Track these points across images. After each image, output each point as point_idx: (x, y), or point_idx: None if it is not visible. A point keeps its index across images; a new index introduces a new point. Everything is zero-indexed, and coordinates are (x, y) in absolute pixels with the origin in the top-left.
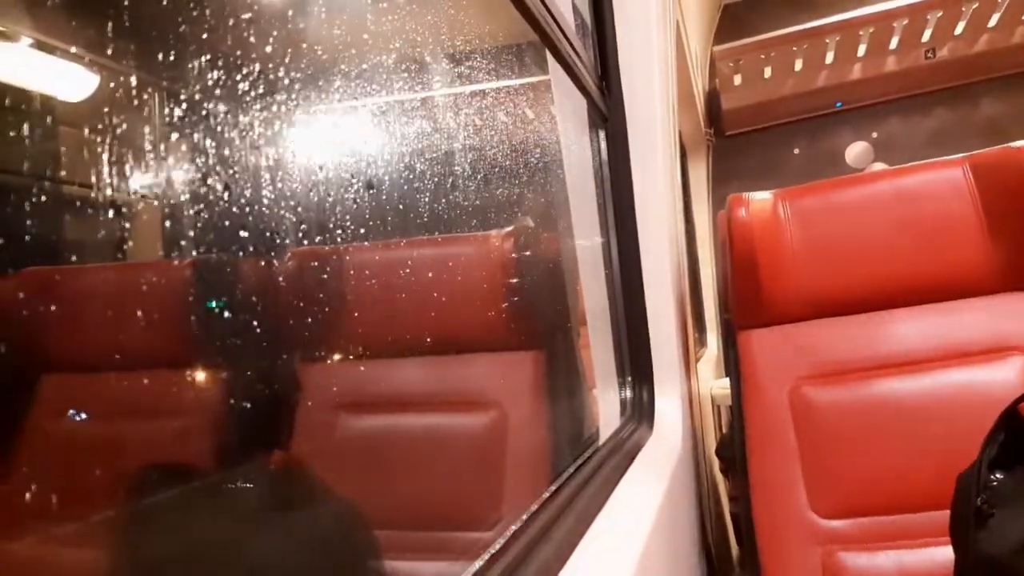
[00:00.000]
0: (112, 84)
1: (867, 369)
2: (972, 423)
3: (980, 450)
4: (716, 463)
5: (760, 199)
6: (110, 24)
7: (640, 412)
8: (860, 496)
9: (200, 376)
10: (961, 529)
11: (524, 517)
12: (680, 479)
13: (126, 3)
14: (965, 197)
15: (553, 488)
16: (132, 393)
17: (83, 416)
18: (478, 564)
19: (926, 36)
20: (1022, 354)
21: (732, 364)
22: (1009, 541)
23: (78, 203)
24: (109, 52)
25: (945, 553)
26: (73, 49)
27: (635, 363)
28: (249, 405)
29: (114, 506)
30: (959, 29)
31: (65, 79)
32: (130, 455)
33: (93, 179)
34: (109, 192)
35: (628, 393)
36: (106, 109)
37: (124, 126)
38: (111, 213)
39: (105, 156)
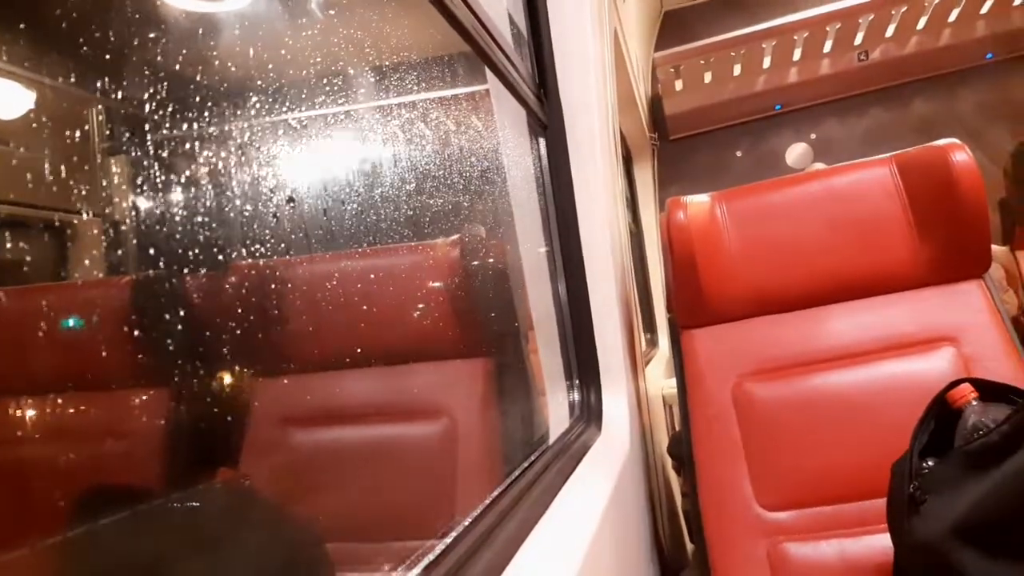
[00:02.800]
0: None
1: (805, 364)
2: (907, 413)
3: (911, 438)
4: (669, 462)
5: (697, 202)
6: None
7: (588, 413)
8: (802, 488)
9: (142, 395)
10: (896, 516)
11: (465, 522)
12: (628, 478)
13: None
14: (893, 195)
15: (496, 492)
16: (71, 414)
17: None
18: (415, 572)
19: (858, 39)
20: (952, 345)
21: (677, 363)
22: (941, 525)
23: (11, 222)
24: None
25: (884, 540)
26: None
27: (582, 366)
28: (194, 423)
29: (55, 531)
30: (889, 32)
31: None
32: (71, 478)
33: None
34: (44, 211)
35: (576, 395)
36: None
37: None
38: (48, 231)
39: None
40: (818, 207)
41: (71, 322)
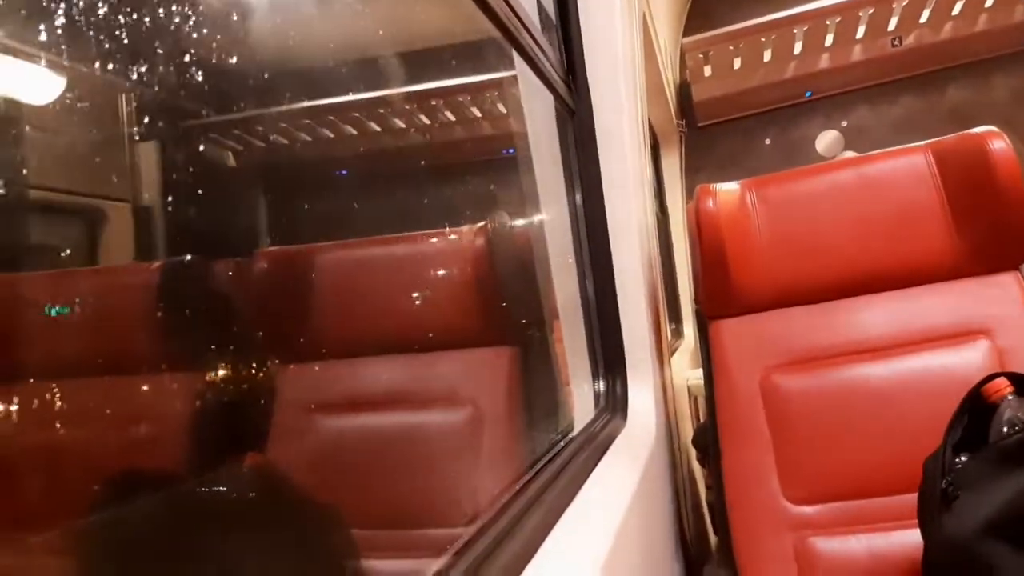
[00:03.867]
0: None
1: (835, 356)
2: (939, 407)
3: (944, 433)
4: (693, 453)
5: (727, 189)
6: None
7: (613, 404)
8: (831, 482)
9: (173, 380)
10: (928, 512)
11: (492, 511)
12: (654, 469)
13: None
14: (928, 184)
15: (523, 481)
16: (104, 398)
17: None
18: (444, 559)
19: (892, 24)
20: (987, 338)
21: (704, 354)
22: (973, 522)
23: (43, 208)
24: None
25: (914, 536)
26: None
27: (608, 355)
28: (224, 409)
29: (87, 512)
30: (924, 17)
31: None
32: (103, 461)
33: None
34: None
35: (601, 385)
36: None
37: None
38: (80, 218)
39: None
40: (851, 196)
41: (73, 309)
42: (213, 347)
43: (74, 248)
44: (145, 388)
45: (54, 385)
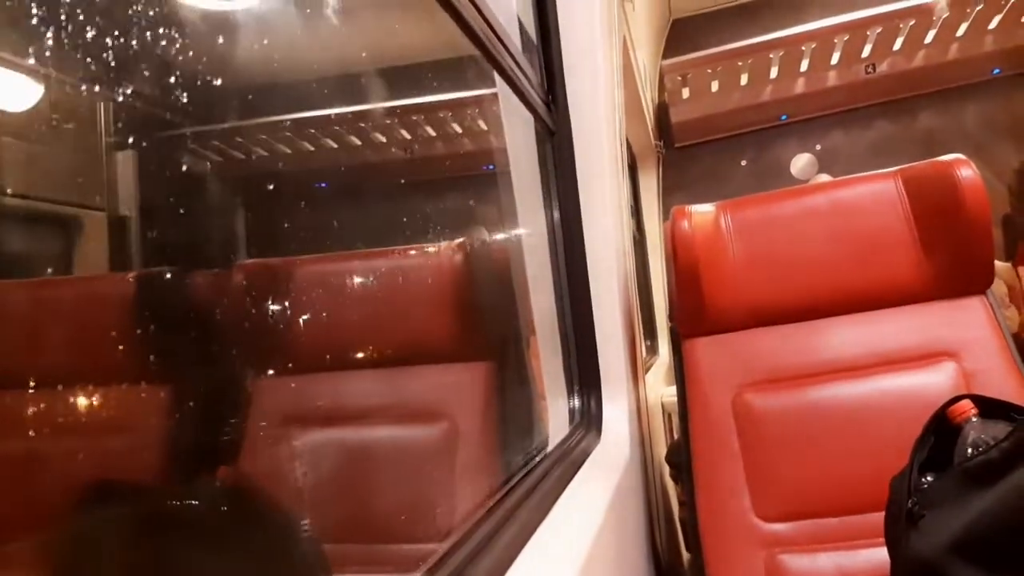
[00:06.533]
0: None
1: (806, 376)
2: (906, 427)
3: (911, 453)
4: (667, 470)
5: (702, 211)
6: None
7: (588, 420)
8: (801, 500)
9: (145, 392)
10: (894, 530)
11: (465, 528)
12: (627, 485)
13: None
14: (897, 209)
15: (496, 498)
16: (76, 409)
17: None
18: None
19: (866, 51)
20: (953, 360)
21: (678, 372)
22: (939, 541)
23: (16, 216)
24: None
25: (882, 554)
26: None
27: (583, 372)
28: (196, 421)
29: (57, 524)
30: (897, 45)
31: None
32: (75, 472)
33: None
34: (49, 205)
35: (576, 402)
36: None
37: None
38: (53, 226)
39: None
40: (822, 219)
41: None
42: (187, 360)
43: (49, 257)
44: (118, 400)
45: (22, 395)
